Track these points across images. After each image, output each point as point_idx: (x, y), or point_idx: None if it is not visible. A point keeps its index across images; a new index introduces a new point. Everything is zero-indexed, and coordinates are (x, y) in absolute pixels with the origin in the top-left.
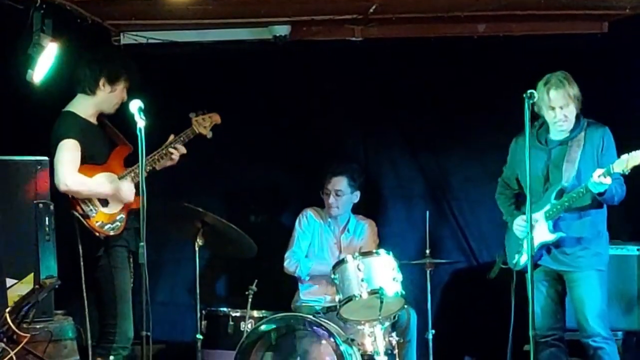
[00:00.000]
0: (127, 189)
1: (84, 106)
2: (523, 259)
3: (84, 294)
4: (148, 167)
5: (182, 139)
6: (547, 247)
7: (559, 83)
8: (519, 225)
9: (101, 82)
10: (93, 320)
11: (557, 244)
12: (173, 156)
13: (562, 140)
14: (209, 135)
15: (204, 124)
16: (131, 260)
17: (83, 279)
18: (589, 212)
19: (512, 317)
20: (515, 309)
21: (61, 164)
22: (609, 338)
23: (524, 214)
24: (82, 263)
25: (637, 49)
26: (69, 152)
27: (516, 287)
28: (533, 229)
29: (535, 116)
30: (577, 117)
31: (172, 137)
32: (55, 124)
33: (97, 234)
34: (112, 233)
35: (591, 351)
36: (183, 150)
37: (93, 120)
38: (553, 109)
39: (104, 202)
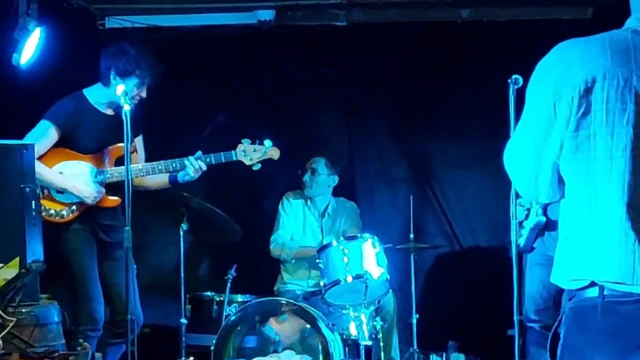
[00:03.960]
0: (86, 189)
1: (98, 94)
2: (522, 240)
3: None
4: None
5: (207, 160)
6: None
7: None
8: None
9: (111, 75)
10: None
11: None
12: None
13: None
14: (255, 167)
15: (251, 155)
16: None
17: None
18: None
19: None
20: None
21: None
22: None
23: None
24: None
25: None
26: (34, 133)
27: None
28: (530, 213)
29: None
30: None
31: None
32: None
33: None
34: (52, 219)
35: None
36: (202, 167)
37: (105, 109)
38: None
39: (59, 190)
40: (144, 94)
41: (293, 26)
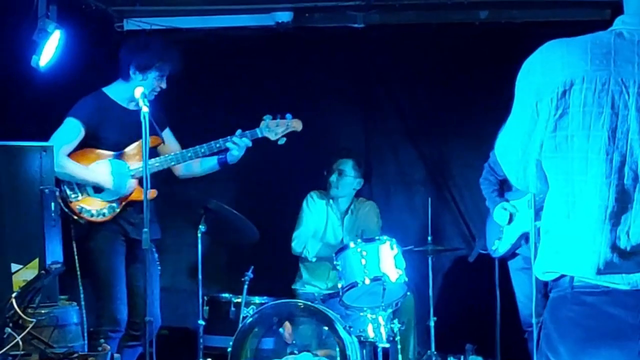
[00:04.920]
0: (123, 182)
1: (119, 90)
2: (502, 246)
3: (79, 277)
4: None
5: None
6: (526, 237)
7: None
8: (500, 212)
9: (131, 70)
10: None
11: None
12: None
13: None
14: (281, 141)
15: (275, 130)
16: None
17: (77, 262)
18: None
19: (498, 305)
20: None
21: (52, 141)
22: None
23: (507, 201)
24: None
25: None
26: (62, 131)
27: (500, 276)
28: (514, 218)
29: None
30: None
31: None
32: None
33: (76, 217)
34: (93, 219)
35: None
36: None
37: (127, 104)
38: None
39: (97, 189)
40: (163, 85)
41: (310, 28)
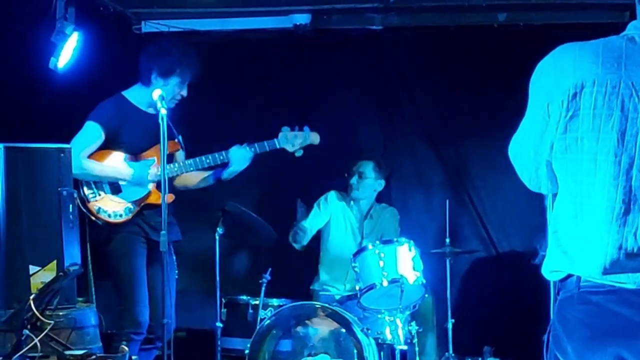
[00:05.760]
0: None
1: (139, 94)
2: None
3: (91, 278)
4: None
5: (252, 149)
6: None
7: None
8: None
9: (153, 75)
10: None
11: None
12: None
13: None
14: (298, 153)
15: (293, 141)
16: (146, 247)
17: (90, 264)
18: None
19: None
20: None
21: (73, 144)
22: None
23: None
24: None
25: None
26: (82, 134)
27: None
28: None
29: None
30: None
31: None
32: None
33: (93, 218)
34: (110, 220)
35: None
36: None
37: (147, 108)
38: None
39: (115, 189)
40: (184, 93)
41: (329, 30)
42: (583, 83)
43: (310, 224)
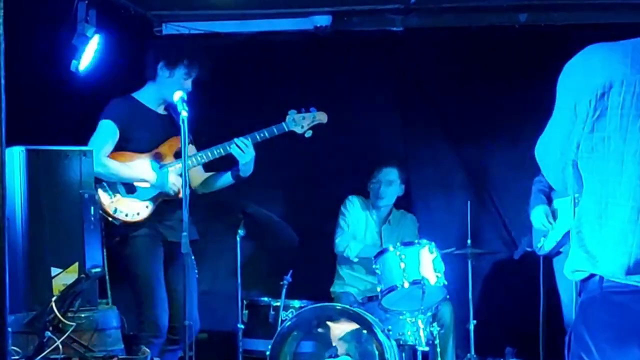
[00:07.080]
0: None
1: (148, 93)
2: (548, 243)
3: (107, 281)
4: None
5: (261, 135)
6: None
7: None
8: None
9: (159, 66)
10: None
11: None
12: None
13: None
14: (307, 134)
15: (301, 123)
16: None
17: (106, 265)
18: None
19: (542, 305)
20: (547, 297)
21: (92, 145)
22: None
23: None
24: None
25: None
26: (99, 133)
27: (545, 276)
28: (557, 217)
29: None
30: None
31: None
32: None
33: (110, 219)
34: (127, 219)
35: None
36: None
37: (157, 108)
38: None
39: (130, 189)
40: (189, 87)
41: (349, 31)
42: (611, 83)
43: (347, 227)
